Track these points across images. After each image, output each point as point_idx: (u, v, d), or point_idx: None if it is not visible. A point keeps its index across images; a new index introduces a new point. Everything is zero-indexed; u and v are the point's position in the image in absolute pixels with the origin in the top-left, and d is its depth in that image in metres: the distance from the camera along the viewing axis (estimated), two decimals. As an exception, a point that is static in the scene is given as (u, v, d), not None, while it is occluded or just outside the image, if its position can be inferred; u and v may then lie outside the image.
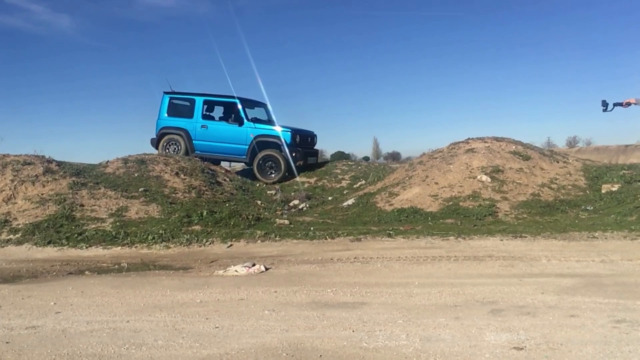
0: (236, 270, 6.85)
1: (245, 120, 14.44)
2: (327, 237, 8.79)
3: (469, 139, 13.26)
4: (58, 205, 10.27)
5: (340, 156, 24.94)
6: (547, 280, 5.74)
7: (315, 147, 16.40)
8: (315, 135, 16.16)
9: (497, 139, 13.11)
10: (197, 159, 14.29)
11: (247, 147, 14.36)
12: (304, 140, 15.07)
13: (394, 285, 5.87)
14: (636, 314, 4.51)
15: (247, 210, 10.79)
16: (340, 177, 14.35)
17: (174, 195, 11.34)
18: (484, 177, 11.12)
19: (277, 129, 14.45)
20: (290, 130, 14.39)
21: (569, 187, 11.20)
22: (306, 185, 14.15)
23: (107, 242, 8.93)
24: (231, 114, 14.84)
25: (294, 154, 14.20)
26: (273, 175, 14.35)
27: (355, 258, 7.38)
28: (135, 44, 71.88)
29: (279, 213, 11.18)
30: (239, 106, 14.55)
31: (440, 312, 4.79)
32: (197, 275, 6.95)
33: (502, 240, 8.09)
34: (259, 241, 8.81)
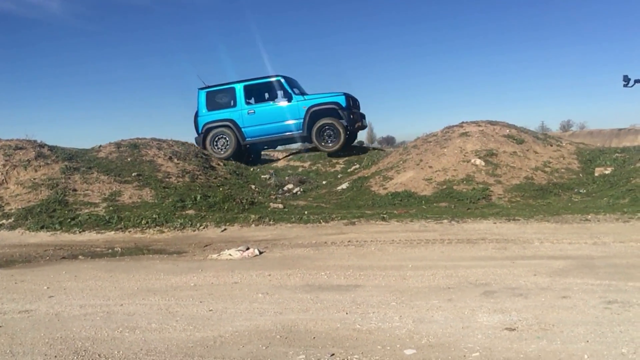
0: (230, 254, 6.85)
1: (293, 95, 13.99)
2: (321, 220, 8.79)
3: (463, 122, 13.24)
4: (51, 189, 10.23)
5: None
6: (539, 263, 5.77)
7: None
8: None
9: (491, 123, 13.10)
10: (191, 143, 14.21)
11: (302, 120, 13.83)
12: (354, 104, 14.57)
13: (387, 268, 5.88)
14: (627, 295, 4.54)
15: (241, 194, 10.77)
16: (334, 161, 14.32)
17: (167, 179, 11.29)
18: (478, 161, 11.12)
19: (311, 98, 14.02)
20: (343, 94, 13.86)
21: (562, 170, 11.23)
22: (300, 169, 14.12)
23: (101, 227, 8.92)
24: (274, 93, 14.40)
25: (352, 116, 13.79)
26: (334, 142, 13.82)
27: (349, 241, 7.39)
28: (129, 28, 71.08)
29: (273, 197, 11.17)
30: (284, 83, 14.03)
31: (433, 294, 4.81)
32: (191, 259, 6.95)
33: (495, 223, 8.11)
34: (253, 225, 8.81)
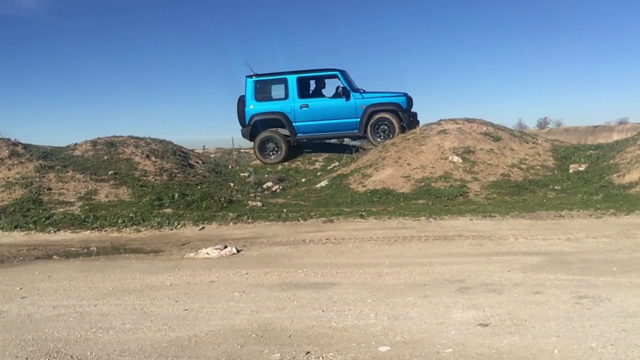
0: (207, 253, 6.82)
1: (351, 92, 13.28)
2: (300, 218, 8.79)
3: (441, 120, 13.32)
4: (25, 189, 10.07)
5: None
6: (514, 259, 5.85)
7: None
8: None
9: (468, 120, 13.21)
10: (169, 141, 14.06)
11: (358, 120, 13.22)
12: (410, 104, 13.87)
13: (364, 265, 5.91)
14: (598, 290, 4.63)
15: (219, 192, 10.71)
16: (313, 158, 14.32)
17: (144, 178, 11.18)
18: (456, 158, 11.22)
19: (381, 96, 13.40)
20: (403, 95, 13.44)
21: (538, 167, 11.39)
22: (280, 167, 14.09)
23: (76, 226, 8.80)
24: (330, 88, 13.82)
25: (411, 118, 13.40)
26: (387, 138, 13.10)
27: (327, 239, 7.41)
28: (105, 24, 70.05)
29: (252, 195, 11.13)
30: (341, 78, 13.38)
31: (409, 291, 4.85)
32: (168, 258, 6.90)
33: (472, 220, 8.20)
34: (231, 223, 8.77)
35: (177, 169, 12.09)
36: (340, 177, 11.72)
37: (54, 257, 7.27)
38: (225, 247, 6.98)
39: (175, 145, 14.07)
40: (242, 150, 17.46)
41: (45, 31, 63.76)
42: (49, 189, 10.21)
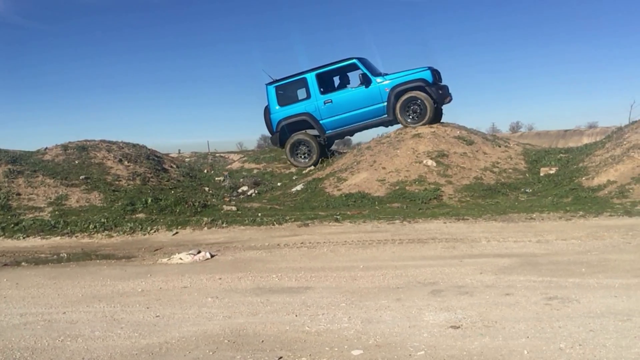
0: (181, 258, 6.75)
1: (372, 77, 12.83)
2: (275, 222, 8.76)
3: (416, 124, 13.42)
4: (-8, 194, 9.83)
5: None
6: (486, 261, 5.92)
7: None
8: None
9: (442, 124, 13.33)
10: (143, 145, 13.88)
11: (385, 104, 12.73)
12: (438, 77, 13.27)
13: (339, 269, 5.91)
14: (567, 291, 4.71)
15: (193, 197, 10.62)
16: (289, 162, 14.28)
17: (117, 182, 11.03)
18: (430, 162, 11.32)
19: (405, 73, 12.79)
20: (427, 68, 12.77)
21: (510, 170, 11.56)
22: (255, 171, 14.04)
23: (46, 232, 8.63)
24: (350, 78, 13.46)
25: (440, 91, 12.76)
26: (420, 118, 12.75)
27: (302, 243, 7.39)
28: (74, 27, 68.95)
29: (227, 199, 11.07)
30: (360, 65, 12.91)
31: (382, 294, 4.87)
32: (140, 264, 6.81)
33: (445, 223, 8.28)
34: (205, 228, 8.70)
35: (150, 174, 11.95)
36: (315, 181, 11.73)
37: (23, 263, 7.11)
38: (199, 252, 6.92)
39: (149, 149, 13.92)
40: (217, 154, 17.37)
41: (12, 33, 62.52)
42: (18, 194, 10.00)
